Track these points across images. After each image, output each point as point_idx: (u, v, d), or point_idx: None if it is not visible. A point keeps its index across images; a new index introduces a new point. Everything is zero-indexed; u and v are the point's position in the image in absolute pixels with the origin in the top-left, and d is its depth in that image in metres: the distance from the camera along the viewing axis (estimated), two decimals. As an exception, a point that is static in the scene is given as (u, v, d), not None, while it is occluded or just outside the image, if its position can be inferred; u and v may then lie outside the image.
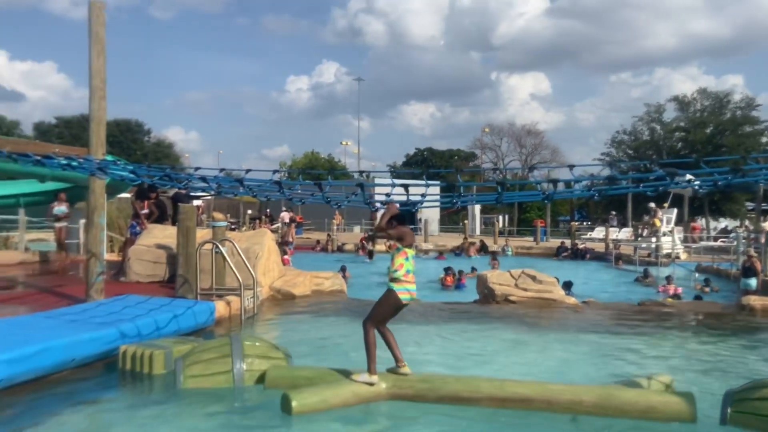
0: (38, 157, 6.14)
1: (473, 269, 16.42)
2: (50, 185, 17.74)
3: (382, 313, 5.23)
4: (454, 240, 29.77)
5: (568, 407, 4.92)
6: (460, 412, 5.01)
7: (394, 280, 5.18)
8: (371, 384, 5.11)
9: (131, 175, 6.61)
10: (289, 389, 5.06)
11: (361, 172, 6.17)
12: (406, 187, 5.65)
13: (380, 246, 26.82)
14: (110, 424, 5.04)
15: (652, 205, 21.89)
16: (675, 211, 23.53)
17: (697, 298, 12.50)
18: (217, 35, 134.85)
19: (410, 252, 5.25)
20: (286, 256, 23.59)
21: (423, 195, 5.63)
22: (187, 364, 5.55)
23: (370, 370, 5.14)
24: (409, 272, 5.20)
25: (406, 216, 5.41)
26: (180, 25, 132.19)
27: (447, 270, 15.93)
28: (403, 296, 5.16)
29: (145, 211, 12.77)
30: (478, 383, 5.19)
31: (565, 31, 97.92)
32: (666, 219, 22.13)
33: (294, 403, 4.83)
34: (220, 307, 8.81)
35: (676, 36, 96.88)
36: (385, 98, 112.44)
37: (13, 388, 5.39)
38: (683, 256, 21.35)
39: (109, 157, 10.17)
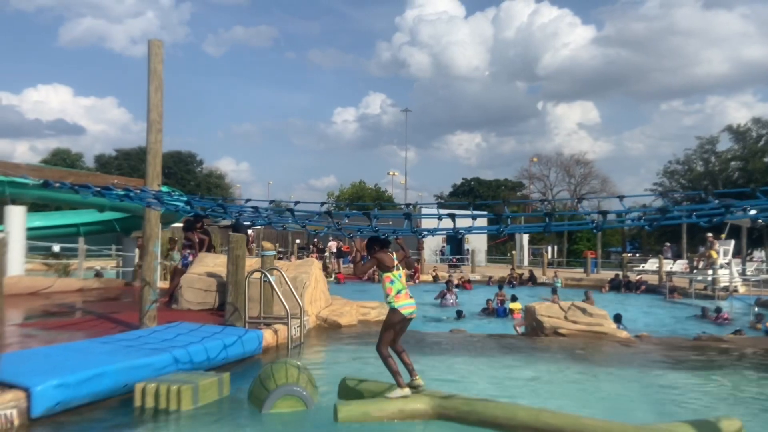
0: (98, 189, 6.41)
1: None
2: (108, 215, 18.47)
3: (388, 330, 5.70)
4: (501, 271, 29.38)
5: None
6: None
7: (390, 303, 5.69)
8: (405, 396, 5.57)
9: (186, 206, 6.82)
10: (353, 401, 5.75)
11: (407, 204, 6.23)
12: (453, 217, 5.65)
13: (426, 276, 26.77)
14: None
15: (709, 236, 21.17)
16: (732, 242, 22.69)
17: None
18: (266, 69, 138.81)
19: (394, 274, 5.69)
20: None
21: (470, 226, 5.65)
22: (303, 386, 5.92)
23: (399, 384, 5.62)
24: (399, 292, 5.67)
25: (385, 240, 5.86)
26: (231, 60, 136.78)
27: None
28: (404, 311, 5.65)
29: (197, 240, 13.11)
30: (516, 411, 5.39)
31: (612, 59, 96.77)
32: (723, 251, 21.35)
33: (340, 415, 5.37)
34: (267, 336, 8.92)
35: (729, 62, 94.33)
36: (431, 128, 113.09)
37: (67, 412, 5.56)
38: (741, 289, 20.48)
39: (164, 188, 10.52)
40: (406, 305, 5.67)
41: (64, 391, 5.47)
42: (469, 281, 24.07)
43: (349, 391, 6.10)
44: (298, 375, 5.96)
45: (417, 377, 5.75)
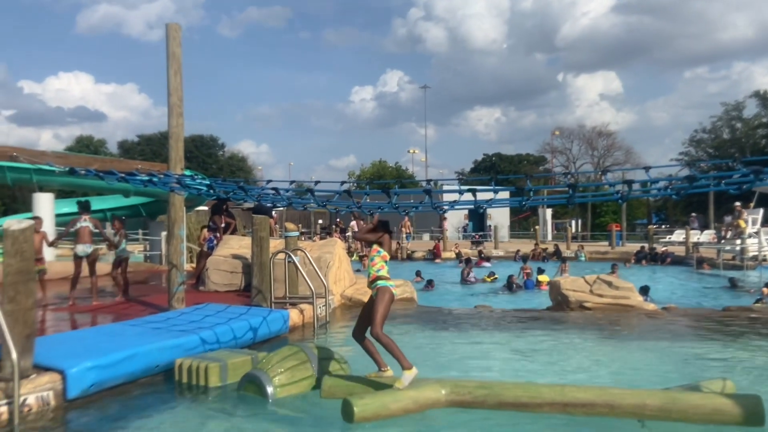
0: (122, 174, 6.49)
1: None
2: (134, 200, 18.71)
3: (384, 311, 5.36)
4: (524, 246, 29.23)
5: (632, 411, 4.83)
6: (521, 419, 4.98)
7: (381, 278, 5.44)
8: (415, 377, 5.13)
9: (208, 190, 6.87)
10: (366, 394, 5.11)
11: (428, 181, 6.18)
12: (473, 192, 5.62)
13: (449, 254, 26.74)
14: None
15: (737, 205, 20.79)
16: (761, 211, 22.23)
17: None
18: (282, 50, 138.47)
19: (386, 256, 5.57)
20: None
21: (491, 199, 5.64)
22: (272, 376, 5.61)
23: (405, 366, 5.16)
24: (388, 273, 5.52)
25: (388, 224, 5.71)
26: (247, 42, 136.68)
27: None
28: (395, 290, 5.50)
29: (223, 225, 13.26)
30: (539, 388, 5.17)
31: (633, 27, 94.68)
32: (751, 220, 20.96)
33: (356, 409, 4.81)
34: (293, 315, 9.02)
35: (754, 26, 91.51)
36: (449, 105, 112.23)
37: (100, 393, 5.72)
38: (772, 258, 20.10)
39: (187, 172, 10.61)
40: (393, 285, 5.52)
41: (98, 372, 5.61)
42: (488, 258, 23.99)
43: (335, 391, 5.39)
44: (272, 363, 5.71)
45: (387, 369, 5.41)
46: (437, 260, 25.41)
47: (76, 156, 22.27)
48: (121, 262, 10.80)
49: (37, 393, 5.23)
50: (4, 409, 4.99)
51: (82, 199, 12.21)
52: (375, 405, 4.94)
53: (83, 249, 9.97)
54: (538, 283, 15.61)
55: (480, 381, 5.48)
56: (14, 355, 4.93)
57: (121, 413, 5.37)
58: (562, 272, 16.99)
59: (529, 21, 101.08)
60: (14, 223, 5.39)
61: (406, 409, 5.02)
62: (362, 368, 5.83)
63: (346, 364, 6.04)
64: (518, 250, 25.04)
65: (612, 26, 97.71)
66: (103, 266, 15.71)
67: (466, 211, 37.62)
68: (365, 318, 5.54)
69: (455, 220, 40.39)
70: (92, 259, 10.20)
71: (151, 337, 6.66)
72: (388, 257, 5.58)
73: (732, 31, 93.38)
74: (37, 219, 9.87)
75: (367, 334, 5.48)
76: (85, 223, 9.98)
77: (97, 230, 10.13)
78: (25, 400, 5.11)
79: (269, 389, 5.53)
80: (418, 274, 17.17)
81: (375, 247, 5.57)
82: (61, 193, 24.36)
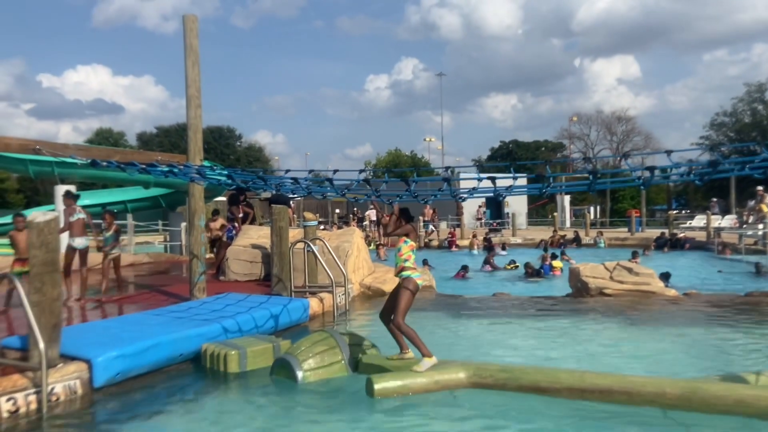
0: (143, 166, 6.57)
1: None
2: (154, 191, 18.90)
3: (408, 301, 5.55)
4: (542, 233, 29.05)
5: (651, 400, 4.78)
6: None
7: (407, 268, 5.62)
8: (433, 365, 5.37)
9: (227, 180, 6.93)
10: (387, 374, 5.40)
11: (446, 168, 6.17)
12: (493, 180, 5.62)
13: (465, 242, 26.65)
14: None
15: (759, 189, 20.47)
16: (785, 195, 21.86)
17: None
18: (295, 39, 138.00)
19: (414, 245, 5.76)
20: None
21: (510, 186, 5.64)
22: (301, 360, 5.75)
23: (425, 354, 5.41)
24: (414, 263, 5.69)
25: (409, 211, 5.91)
26: (261, 32, 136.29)
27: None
28: (419, 280, 5.66)
29: (241, 215, 13.37)
30: (558, 374, 5.21)
31: (651, 9, 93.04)
32: (775, 204, 20.60)
33: (376, 387, 5.16)
34: (313, 304, 9.08)
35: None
36: (464, 92, 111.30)
37: (126, 381, 5.82)
38: (796, 243, 19.77)
39: (206, 163, 10.68)
40: (419, 276, 5.69)
41: (123, 361, 5.71)
42: (503, 246, 23.83)
43: (369, 368, 5.78)
44: (302, 348, 5.90)
45: (408, 352, 5.69)
46: (453, 248, 25.29)
47: (98, 148, 22.46)
48: (109, 259, 10.27)
49: (64, 382, 5.34)
50: (33, 397, 5.11)
51: (74, 190, 11.90)
52: (396, 384, 5.23)
53: (79, 242, 9.64)
54: (553, 269, 15.65)
55: (502, 365, 5.57)
56: (42, 344, 5.04)
57: (146, 400, 5.48)
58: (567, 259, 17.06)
59: (544, 6, 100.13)
60: (39, 215, 5.47)
61: (427, 389, 5.27)
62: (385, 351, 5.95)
63: (376, 348, 6.20)
64: (542, 240, 24.80)
65: (630, 9, 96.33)
66: (125, 257, 15.93)
67: (484, 199, 37.38)
68: (391, 303, 5.73)
69: (473, 208, 40.21)
70: (83, 253, 9.77)
71: (175, 326, 6.75)
72: (415, 246, 5.73)
73: (751, 12, 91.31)
74: (20, 217, 8.82)
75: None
76: (81, 215, 9.66)
77: (88, 222, 9.78)
78: (52, 388, 5.22)
79: (299, 373, 5.70)
80: (425, 263, 17.11)
81: (402, 237, 5.75)
82: (83, 185, 24.65)
